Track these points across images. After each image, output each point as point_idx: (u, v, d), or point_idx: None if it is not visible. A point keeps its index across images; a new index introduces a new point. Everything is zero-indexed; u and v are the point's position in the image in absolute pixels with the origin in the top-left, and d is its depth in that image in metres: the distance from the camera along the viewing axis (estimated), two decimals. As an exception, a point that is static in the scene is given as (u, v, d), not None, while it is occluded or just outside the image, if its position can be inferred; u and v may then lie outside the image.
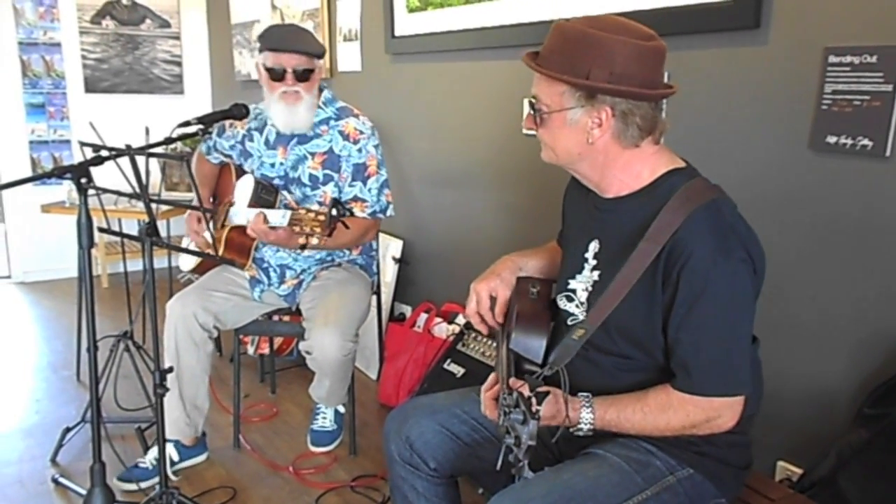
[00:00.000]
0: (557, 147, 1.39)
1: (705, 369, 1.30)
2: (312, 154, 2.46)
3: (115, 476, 2.34)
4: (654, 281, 1.31)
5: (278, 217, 2.10)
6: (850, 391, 1.83)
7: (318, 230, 1.99)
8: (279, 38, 2.37)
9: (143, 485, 2.35)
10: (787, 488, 1.66)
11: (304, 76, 2.35)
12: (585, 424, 1.35)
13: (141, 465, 2.43)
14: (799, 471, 1.90)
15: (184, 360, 2.40)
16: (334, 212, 1.97)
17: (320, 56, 2.41)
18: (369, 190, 2.47)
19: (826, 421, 1.87)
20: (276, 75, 2.35)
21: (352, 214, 2.07)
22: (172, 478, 2.44)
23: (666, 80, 2.08)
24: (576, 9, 2.36)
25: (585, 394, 1.38)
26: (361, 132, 2.47)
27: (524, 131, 1.37)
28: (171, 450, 2.47)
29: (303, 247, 2.02)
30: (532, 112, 1.40)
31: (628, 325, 1.36)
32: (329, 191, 2.47)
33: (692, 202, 1.30)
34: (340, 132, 2.46)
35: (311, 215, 1.99)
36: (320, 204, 2.47)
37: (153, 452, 2.42)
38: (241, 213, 2.34)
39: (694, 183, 1.35)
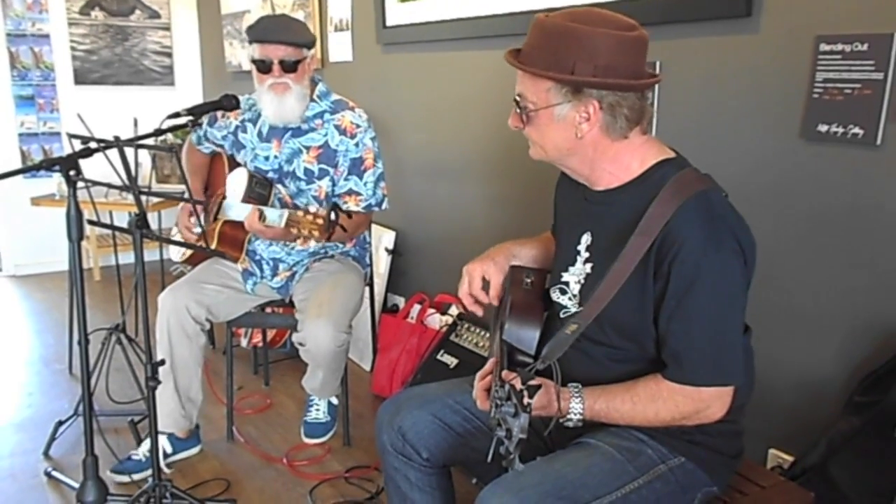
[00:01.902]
0: (546, 144, 1.39)
1: (696, 359, 1.31)
2: (307, 148, 2.45)
3: (108, 468, 2.34)
4: (646, 272, 1.31)
5: (275, 216, 2.10)
6: (840, 379, 1.84)
7: (315, 234, 1.99)
8: (265, 29, 2.34)
9: (136, 477, 2.35)
10: (779, 476, 1.67)
11: (291, 67, 2.33)
12: (575, 415, 1.36)
13: (134, 457, 2.43)
14: (790, 458, 1.92)
15: (177, 353, 2.39)
16: (332, 216, 1.97)
17: (309, 46, 2.39)
18: (365, 183, 2.45)
19: (817, 409, 1.88)
20: (264, 67, 2.33)
21: (349, 216, 2.07)
22: (166, 470, 2.44)
23: (657, 69, 2.10)
24: (567, -2, 2.36)
25: (576, 384, 1.38)
26: (358, 125, 2.45)
27: (511, 128, 1.37)
28: (164, 442, 2.46)
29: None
30: (517, 110, 1.39)
31: (620, 317, 1.36)
32: (324, 185, 2.46)
33: (683, 193, 1.30)
34: (336, 126, 2.44)
35: (309, 218, 1.99)
36: (315, 198, 2.46)
37: (146, 445, 2.41)
38: (236, 207, 2.33)
39: (684, 174, 1.35)
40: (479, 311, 1.64)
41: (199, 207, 2.33)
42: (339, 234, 2.09)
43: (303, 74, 2.37)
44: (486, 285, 1.62)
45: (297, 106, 2.39)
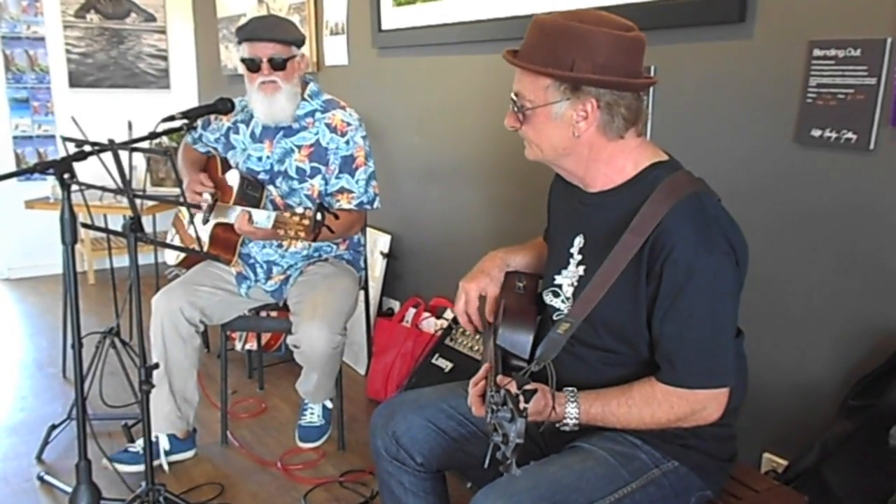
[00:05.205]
0: (543, 143, 1.39)
1: (689, 362, 1.31)
2: (299, 147, 2.45)
3: (102, 473, 2.32)
4: (638, 274, 1.31)
5: (263, 218, 2.11)
6: (834, 383, 1.84)
7: (302, 234, 2.00)
8: (253, 28, 2.36)
9: (131, 469, 2.33)
10: (773, 480, 1.67)
11: (280, 65, 2.33)
12: (571, 419, 1.35)
13: (130, 449, 2.42)
14: (784, 462, 1.92)
15: (171, 355, 2.39)
16: (319, 216, 1.97)
17: (298, 44, 2.38)
18: (357, 181, 2.46)
19: (811, 413, 1.89)
20: (253, 66, 2.34)
21: (336, 217, 2.08)
22: (165, 467, 2.43)
23: (652, 73, 2.11)
24: (562, 2, 2.36)
25: (571, 389, 1.38)
26: (349, 124, 2.46)
27: (507, 128, 1.38)
28: (163, 440, 2.46)
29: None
30: (514, 109, 1.39)
31: (613, 319, 1.36)
32: (317, 184, 2.46)
33: (675, 195, 1.30)
34: (327, 125, 2.44)
35: (296, 219, 2.00)
36: (308, 197, 2.46)
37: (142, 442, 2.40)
38: (228, 209, 2.33)
39: (677, 176, 1.35)
40: (473, 330, 1.65)
41: (191, 210, 2.32)
42: (326, 235, 2.10)
43: (292, 73, 2.37)
44: (482, 301, 1.62)
45: (287, 105, 2.39)
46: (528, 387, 1.28)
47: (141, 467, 2.26)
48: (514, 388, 1.24)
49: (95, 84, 4.97)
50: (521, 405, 1.15)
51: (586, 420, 1.36)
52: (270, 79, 2.33)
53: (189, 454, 2.57)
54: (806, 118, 1.81)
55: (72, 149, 1.83)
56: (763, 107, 1.91)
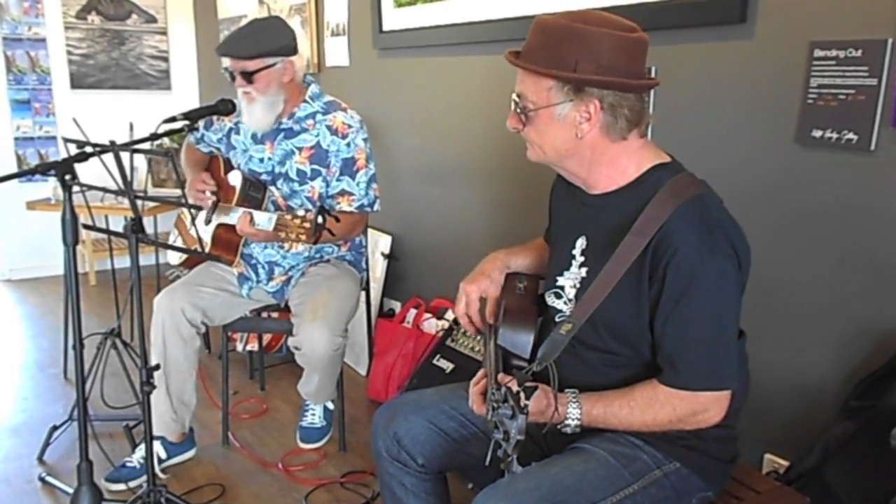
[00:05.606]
0: (545, 144, 1.39)
1: (692, 364, 1.31)
2: (300, 149, 2.45)
3: (102, 476, 2.33)
4: (641, 276, 1.31)
5: (264, 220, 2.12)
6: (835, 384, 1.84)
7: (303, 237, 2.01)
8: (226, 41, 2.38)
9: (132, 484, 2.34)
10: (774, 481, 1.67)
11: (248, 78, 2.33)
12: (573, 420, 1.36)
13: (128, 464, 2.41)
14: (785, 463, 1.92)
15: (171, 356, 2.39)
16: (320, 219, 1.98)
17: (275, 54, 2.33)
18: (357, 184, 2.46)
19: (812, 413, 1.89)
20: (231, 77, 2.37)
21: (337, 220, 2.09)
22: (161, 475, 2.43)
23: (653, 74, 2.11)
24: (563, 3, 2.36)
25: (573, 390, 1.38)
26: (349, 126, 2.46)
27: (510, 129, 1.38)
28: (157, 448, 2.45)
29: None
30: (517, 111, 1.39)
31: (615, 320, 1.36)
32: (317, 186, 2.46)
33: (678, 197, 1.30)
34: (328, 127, 2.44)
35: (297, 221, 2.01)
36: (308, 199, 2.46)
37: (140, 451, 2.40)
38: (230, 211, 2.33)
39: (680, 178, 1.35)
40: (473, 331, 1.65)
41: (193, 211, 2.33)
42: (327, 237, 2.10)
43: (267, 84, 2.34)
44: (482, 303, 1.62)
45: (262, 115, 2.38)
46: (528, 384, 1.28)
47: (142, 480, 2.27)
48: (514, 386, 1.24)
49: (97, 85, 4.97)
50: (522, 402, 1.15)
51: (588, 421, 1.36)
52: (246, 90, 2.35)
53: (187, 455, 2.57)
54: (807, 119, 1.81)
55: (73, 150, 1.83)
56: (764, 107, 1.91)
